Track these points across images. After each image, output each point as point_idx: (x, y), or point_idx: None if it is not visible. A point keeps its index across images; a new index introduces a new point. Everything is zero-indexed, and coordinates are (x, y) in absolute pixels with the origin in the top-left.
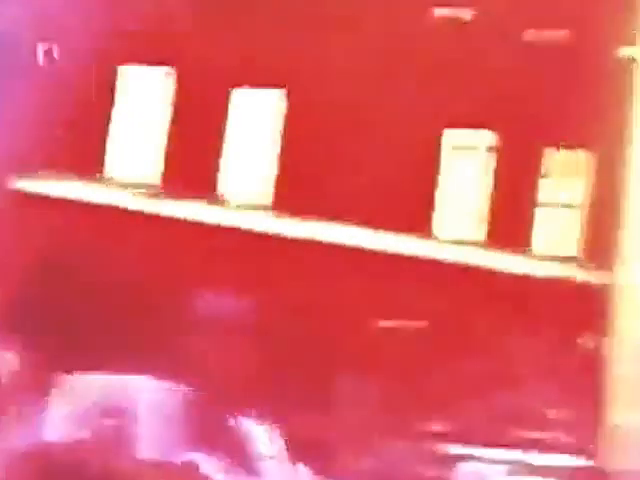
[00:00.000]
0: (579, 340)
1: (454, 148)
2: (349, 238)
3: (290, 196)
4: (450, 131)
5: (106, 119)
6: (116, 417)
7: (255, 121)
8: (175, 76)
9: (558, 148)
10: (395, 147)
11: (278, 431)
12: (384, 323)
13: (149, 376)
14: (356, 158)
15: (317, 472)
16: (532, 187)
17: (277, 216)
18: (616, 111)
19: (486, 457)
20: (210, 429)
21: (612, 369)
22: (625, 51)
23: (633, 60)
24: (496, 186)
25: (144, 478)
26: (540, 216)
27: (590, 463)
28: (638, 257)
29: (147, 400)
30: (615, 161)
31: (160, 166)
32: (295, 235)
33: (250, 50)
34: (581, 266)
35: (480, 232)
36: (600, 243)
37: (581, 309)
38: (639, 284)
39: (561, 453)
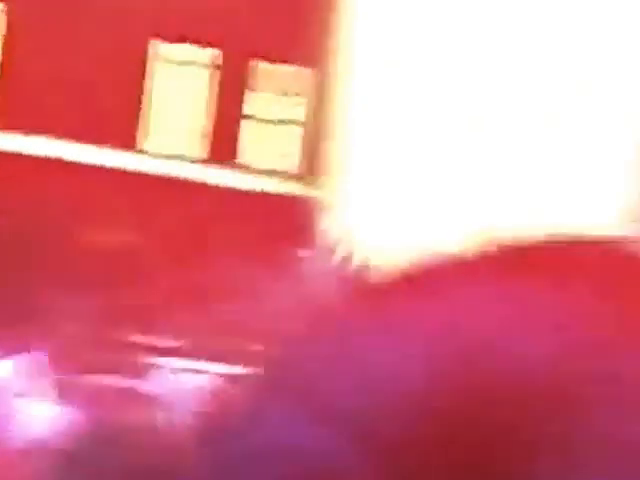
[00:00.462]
0: (294, 252)
1: (166, 61)
2: (55, 151)
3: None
4: (160, 44)
5: None
6: None
7: None
8: None
9: (272, 64)
10: (102, 59)
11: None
12: (96, 236)
13: None
14: (64, 72)
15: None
16: (243, 103)
17: None
18: (335, 31)
19: (193, 368)
20: None
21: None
22: None
23: None
24: (212, 102)
25: None
26: (255, 131)
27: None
28: (350, 171)
29: None
30: (331, 80)
31: None
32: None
33: None
34: (298, 180)
35: (197, 147)
36: (314, 159)
37: (298, 222)
38: (351, 197)
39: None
